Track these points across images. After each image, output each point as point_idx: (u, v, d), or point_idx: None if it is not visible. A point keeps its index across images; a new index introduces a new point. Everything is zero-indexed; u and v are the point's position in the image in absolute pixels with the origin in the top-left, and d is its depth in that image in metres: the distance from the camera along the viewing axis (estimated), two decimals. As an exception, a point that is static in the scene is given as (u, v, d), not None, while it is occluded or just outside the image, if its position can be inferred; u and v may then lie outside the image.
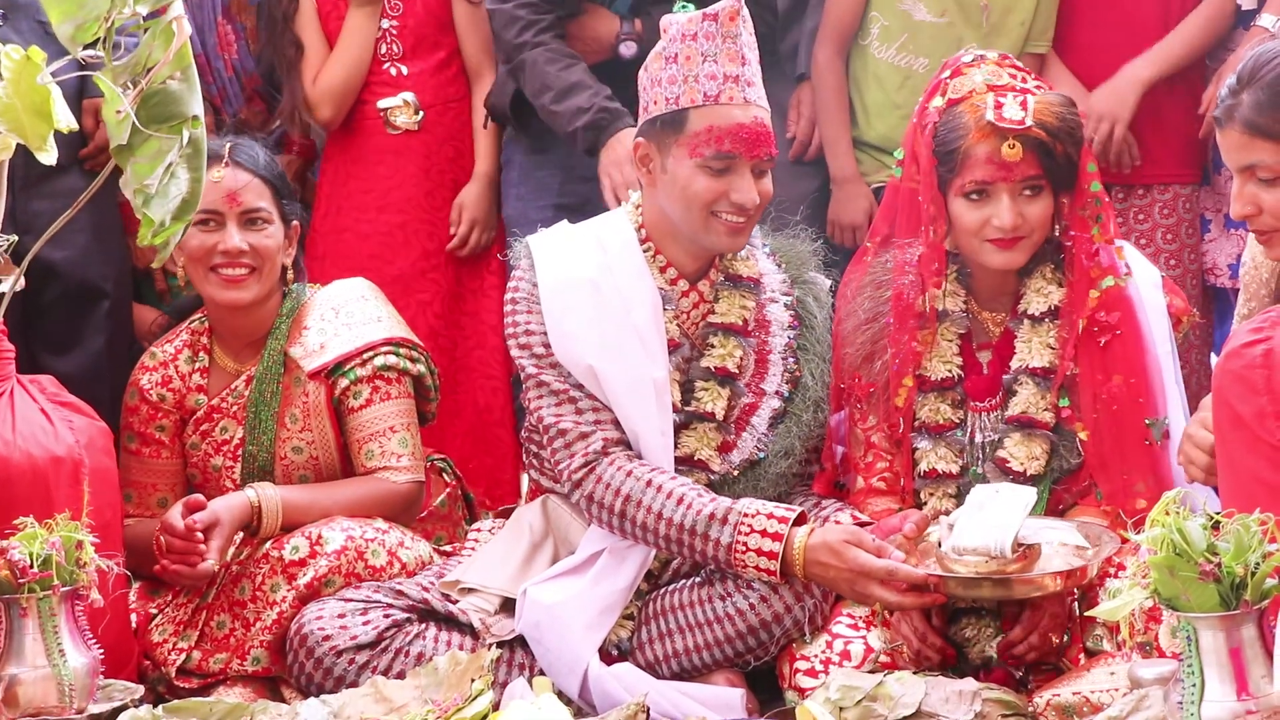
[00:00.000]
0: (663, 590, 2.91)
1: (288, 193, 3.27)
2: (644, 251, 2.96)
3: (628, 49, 3.55)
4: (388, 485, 3.13)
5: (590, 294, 2.90)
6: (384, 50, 3.68)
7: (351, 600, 2.88)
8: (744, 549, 2.73)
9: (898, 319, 2.87)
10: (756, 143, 2.85)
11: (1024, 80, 2.82)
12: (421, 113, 3.69)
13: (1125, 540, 2.52)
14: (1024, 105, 2.75)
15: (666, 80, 2.86)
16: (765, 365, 2.99)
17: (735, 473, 2.94)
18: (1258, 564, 2.00)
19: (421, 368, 3.22)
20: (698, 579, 2.87)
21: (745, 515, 2.74)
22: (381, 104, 3.69)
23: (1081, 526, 2.71)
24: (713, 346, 2.96)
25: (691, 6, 2.90)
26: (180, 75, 2.69)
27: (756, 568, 2.73)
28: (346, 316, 3.20)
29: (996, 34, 3.53)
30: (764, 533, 2.72)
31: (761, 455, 2.95)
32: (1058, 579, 2.57)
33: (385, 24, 3.67)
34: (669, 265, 2.97)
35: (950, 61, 2.90)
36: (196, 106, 2.73)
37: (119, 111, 2.23)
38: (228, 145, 3.14)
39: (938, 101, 2.83)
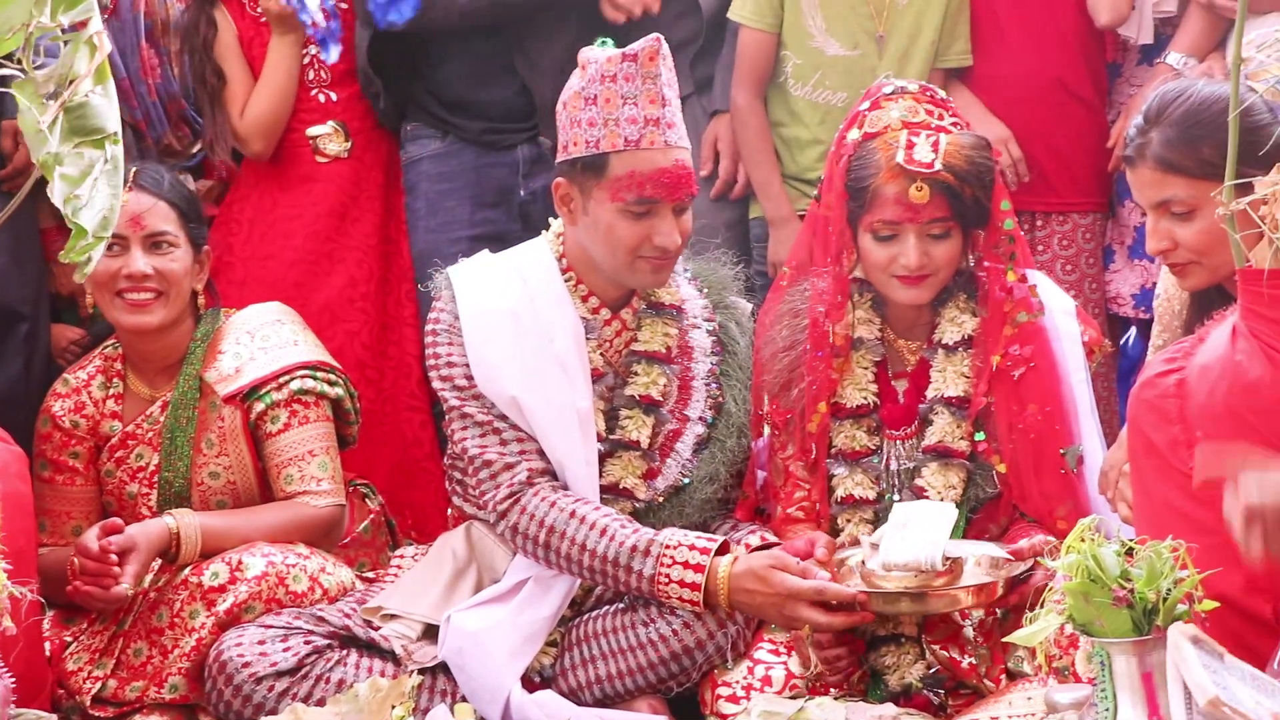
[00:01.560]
0: (585, 616, 2.91)
1: (196, 217, 3.22)
2: (565, 281, 2.96)
3: None
4: (308, 510, 3.11)
5: (511, 324, 2.90)
6: (311, 77, 3.63)
7: (272, 627, 2.86)
8: (666, 580, 2.73)
9: (813, 345, 2.89)
10: (678, 186, 2.85)
11: (940, 117, 2.82)
12: (351, 140, 3.66)
13: (1040, 560, 2.56)
14: (935, 146, 2.75)
15: (586, 122, 2.85)
16: (689, 391, 2.99)
17: (660, 499, 2.95)
18: (1169, 590, 2.03)
19: (340, 390, 3.19)
20: (621, 605, 2.87)
21: (667, 547, 2.74)
22: (310, 131, 3.63)
23: (996, 544, 2.75)
24: (636, 374, 2.96)
25: (611, 43, 2.91)
26: (102, 90, 2.67)
27: (680, 599, 2.74)
28: (262, 340, 3.17)
29: (908, 59, 3.55)
30: (686, 564, 2.73)
31: (686, 481, 2.96)
32: (970, 594, 2.60)
33: (314, 50, 3.62)
34: (590, 294, 2.97)
35: (872, 91, 2.91)
36: (116, 123, 2.71)
37: (39, 123, 2.21)
38: (132, 169, 3.08)
39: (854, 134, 2.85)
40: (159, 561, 3.00)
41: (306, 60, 3.62)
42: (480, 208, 3.64)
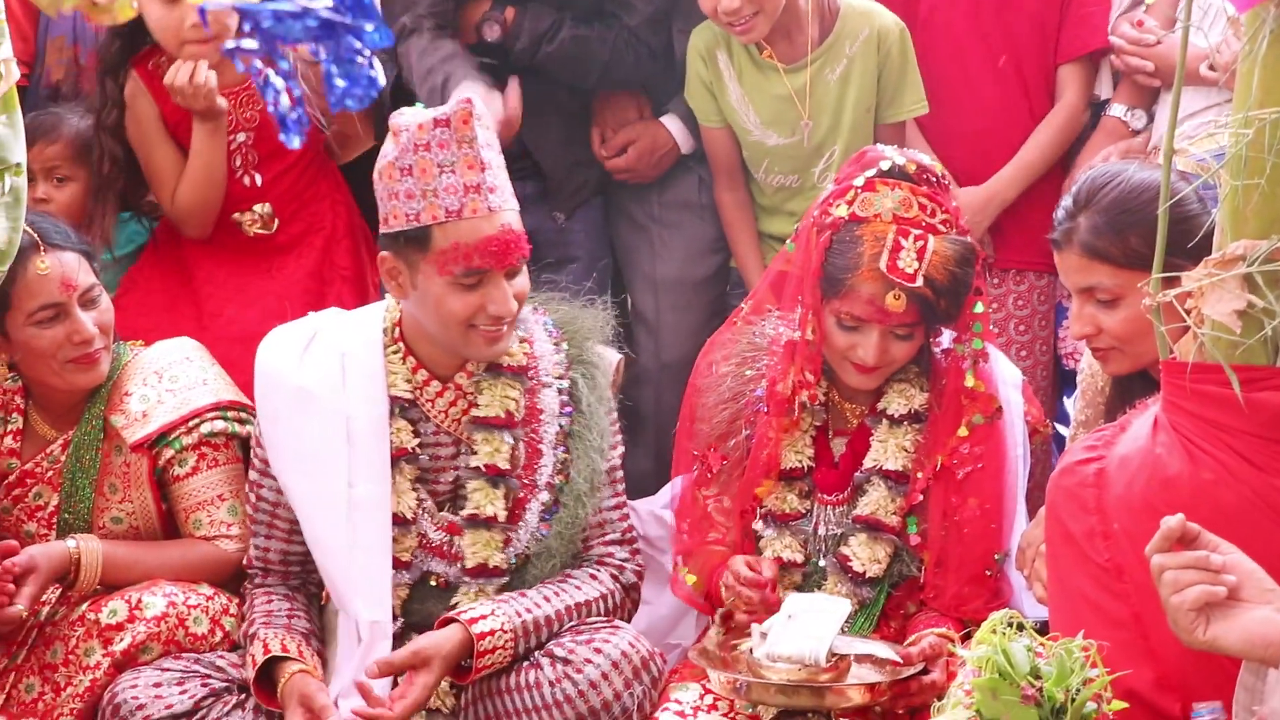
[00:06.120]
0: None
1: (93, 251, 3.14)
2: (392, 352, 2.88)
3: (490, 31, 3.53)
4: (217, 552, 3.03)
5: (298, 403, 2.85)
6: (239, 163, 3.50)
7: (169, 670, 2.80)
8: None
9: (771, 407, 2.83)
10: (507, 252, 2.74)
11: (933, 213, 2.71)
12: (277, 221, 3.55)
13: (949, 650, 2.54)
14: (921, 253, 2.67)
15: (404, 194, 2.72)
16: (537, 456, 2.89)
17: (512, 568, 2.88)
18: (1078, 689, 2.02)
19: (251, 428, 3.10)
20: (526, 662, 2.79)
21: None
22: (235, 216, 3.53)
23: (889, 644, 2.71)
24: (479, 444, 2.86)
25: (422, 105, 2.81)
26: (5, 120, 2.59)
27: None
28: (170, 381, 3.08)
29: (845, 133, 3.51)
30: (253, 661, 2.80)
31: (531, 551, 2.87)
32: (865, 692, 2.59)
33: (241, 137, 3.48)
34: (420, 367, 2.88)
35: (867, 159, 2.78)
36: (20, 154, 2.63)
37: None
38: (33, 231, 2.93)
39: (841, 209, 2.74)
40: (57, 588, 2.92)
41: (235, 146, 3.49)
42: None
